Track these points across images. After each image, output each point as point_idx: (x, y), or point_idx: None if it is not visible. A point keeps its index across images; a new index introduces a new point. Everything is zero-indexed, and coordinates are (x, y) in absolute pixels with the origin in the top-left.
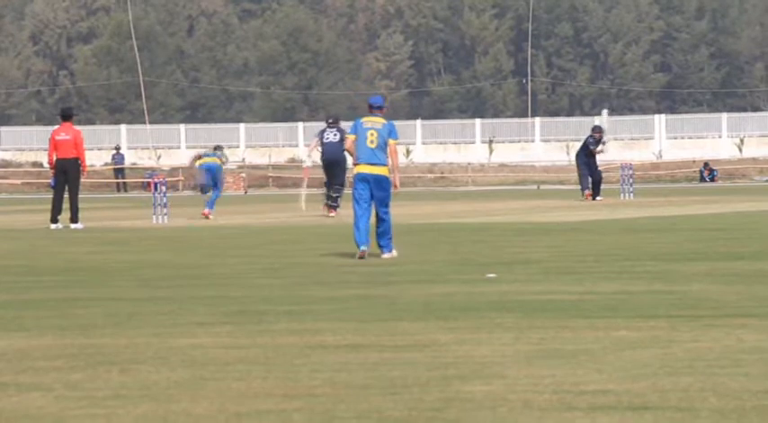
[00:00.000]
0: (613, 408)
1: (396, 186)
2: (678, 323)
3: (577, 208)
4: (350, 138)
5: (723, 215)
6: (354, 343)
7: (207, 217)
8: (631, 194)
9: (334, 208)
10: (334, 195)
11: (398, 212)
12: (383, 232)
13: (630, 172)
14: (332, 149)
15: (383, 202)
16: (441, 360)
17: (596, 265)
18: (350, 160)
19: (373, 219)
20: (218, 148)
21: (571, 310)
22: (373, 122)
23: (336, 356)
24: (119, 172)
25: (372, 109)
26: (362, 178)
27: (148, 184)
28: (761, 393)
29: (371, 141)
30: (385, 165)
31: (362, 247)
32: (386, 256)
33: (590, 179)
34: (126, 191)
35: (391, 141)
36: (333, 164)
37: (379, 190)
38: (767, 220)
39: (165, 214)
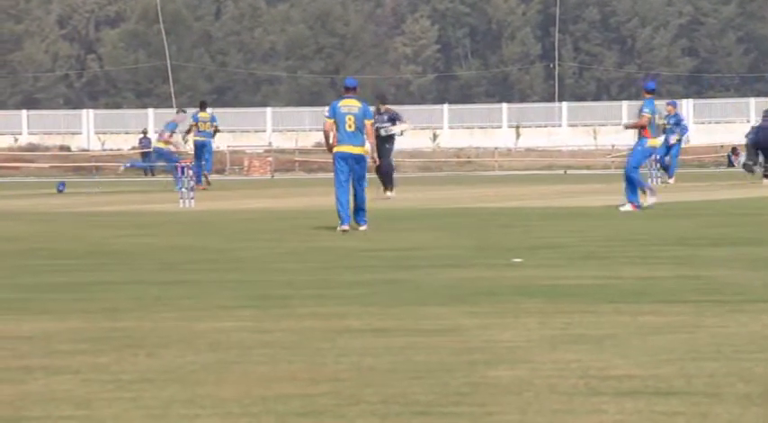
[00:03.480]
0: (640, 393)
1: (375, 161)
2: (703, 308)
3: (602, 193)
4: (328, 121)
5: (749, 200)
6: (380, 327)
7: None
8: (658, 180)
9: None
10: None
11: (423, 196)
12: (360, 207)
13: (657, 156)
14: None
15: (361, 178)
16: (466, 344)
17: (621, 249)
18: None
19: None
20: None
21: (596, 295)
22: (349, 107)
23: (362, 341)
24: (146, 156)
25: (348, 90)
26: (343, 157)
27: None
28: None
29: (350, 126)
30: (363, 145)
31: (345, 225)
32: (363, 228)
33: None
34: (153, 175)
35: (367, 122)
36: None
37: (358, 167)
38: None
39: (192, 198)
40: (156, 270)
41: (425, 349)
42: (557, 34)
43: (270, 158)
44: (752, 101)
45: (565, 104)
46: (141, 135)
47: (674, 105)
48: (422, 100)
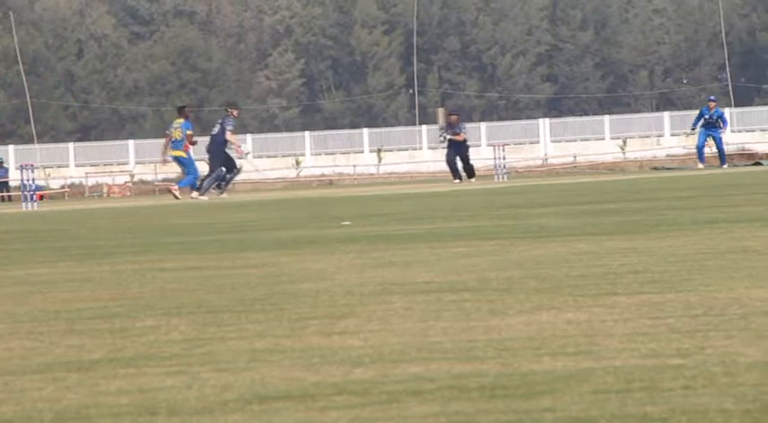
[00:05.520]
0: (434, 291)
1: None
2: (516, 241)
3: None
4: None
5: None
6: (195, 266)
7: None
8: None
9: None
10: None
11: (275, 193)
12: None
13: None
14: None
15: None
16: (275, 271)
17: (452, 213)
18: None
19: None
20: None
21: (416, 239)
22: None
23: (173, 274)
24: (2, 185)
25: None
26: None
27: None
28: (577, 277)
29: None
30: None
31: None
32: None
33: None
34: (11, 200)
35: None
36: None
37: None
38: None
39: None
40: None
41: (234, 276)
42: (415, 64)
43: (129, 184)
44: (606, 118)
45: (424, 127)
46: None
47: (715, 100)
48: (287, 132)
